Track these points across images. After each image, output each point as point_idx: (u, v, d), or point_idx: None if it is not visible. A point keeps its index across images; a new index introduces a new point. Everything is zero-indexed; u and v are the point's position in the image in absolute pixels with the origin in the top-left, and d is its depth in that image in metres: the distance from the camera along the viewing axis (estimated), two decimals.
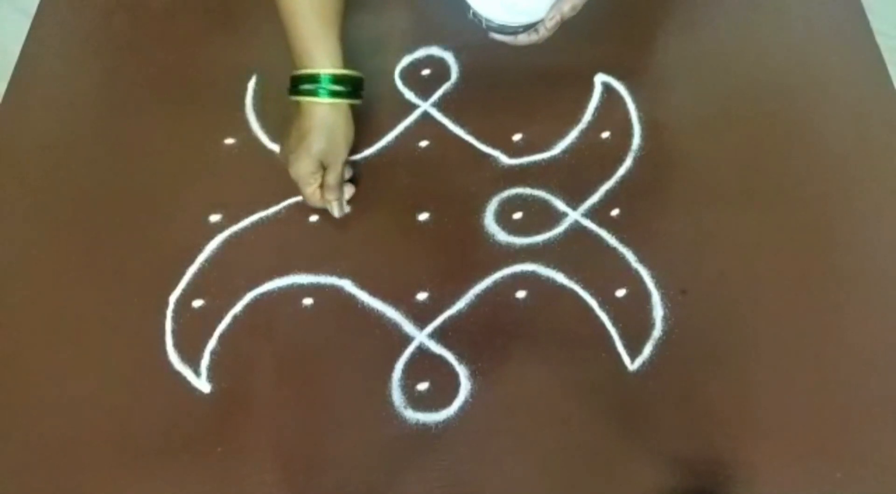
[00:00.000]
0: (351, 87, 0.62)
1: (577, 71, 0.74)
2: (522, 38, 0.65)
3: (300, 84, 0.61)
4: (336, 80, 0.61)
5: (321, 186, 0.64)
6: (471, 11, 0.63)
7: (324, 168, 0.63)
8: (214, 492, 0.56)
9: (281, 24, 0.61)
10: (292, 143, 0.62)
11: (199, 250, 0.65)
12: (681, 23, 0.78)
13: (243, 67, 0.75)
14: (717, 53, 0.75)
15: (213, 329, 0.61)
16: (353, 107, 0.63)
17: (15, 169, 0.70)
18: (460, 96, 0.73)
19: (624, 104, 0.72)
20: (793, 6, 0.79)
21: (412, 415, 0.58)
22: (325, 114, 0.61)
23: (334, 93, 0.61)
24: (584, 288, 0.63)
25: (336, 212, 0.65)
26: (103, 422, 0.58)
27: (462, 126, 0.71)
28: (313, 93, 0.60)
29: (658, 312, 0.61)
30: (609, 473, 0.56)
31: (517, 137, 0.70)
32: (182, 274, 0.64)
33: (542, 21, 0.62)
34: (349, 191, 0.66)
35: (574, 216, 0.66)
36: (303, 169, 0.62)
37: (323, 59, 0.61)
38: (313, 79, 0.60)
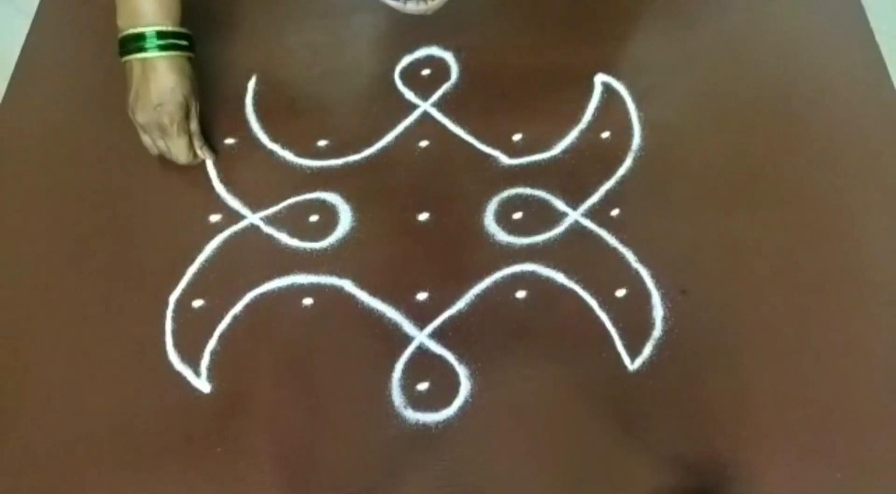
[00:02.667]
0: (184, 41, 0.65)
1: (577, 71, 0.74)
2: (411, 6, 0.65)
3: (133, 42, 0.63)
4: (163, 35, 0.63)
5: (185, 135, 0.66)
6: None
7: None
8: (214, 492, 0.56)
9: None
10: (154, 96, 0.63)
11: (199, 250, 0.65)
12: (680, 23, 0.78)
13: (243, 67, 0.75)
14: (717, 54, 0.75)
15: (213, 329, 0.61)
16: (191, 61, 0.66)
17: (15, 168, 0.70)
18: (460, 96, 0.73)
19: (624, 104, 0.72)
20: (793, 6, 0.79)
21: (412, 415, 0.58)
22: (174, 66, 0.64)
23: (165, 48, 0.63)
24: (584, 288, 0.63)
25: (204, 155, 0.68)
26: (103, 422, 0.58)
27: (462, 126, 0.71)
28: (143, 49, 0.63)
29: (658, 312, 0.61)
30: (609, 473, 0.56)
31: (517, 137, 0.70)
32: (182, 274, 0.64)
33: None
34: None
35: (574, 216, 0.66)
36: (176, 114, 0.64)
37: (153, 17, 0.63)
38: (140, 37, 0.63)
